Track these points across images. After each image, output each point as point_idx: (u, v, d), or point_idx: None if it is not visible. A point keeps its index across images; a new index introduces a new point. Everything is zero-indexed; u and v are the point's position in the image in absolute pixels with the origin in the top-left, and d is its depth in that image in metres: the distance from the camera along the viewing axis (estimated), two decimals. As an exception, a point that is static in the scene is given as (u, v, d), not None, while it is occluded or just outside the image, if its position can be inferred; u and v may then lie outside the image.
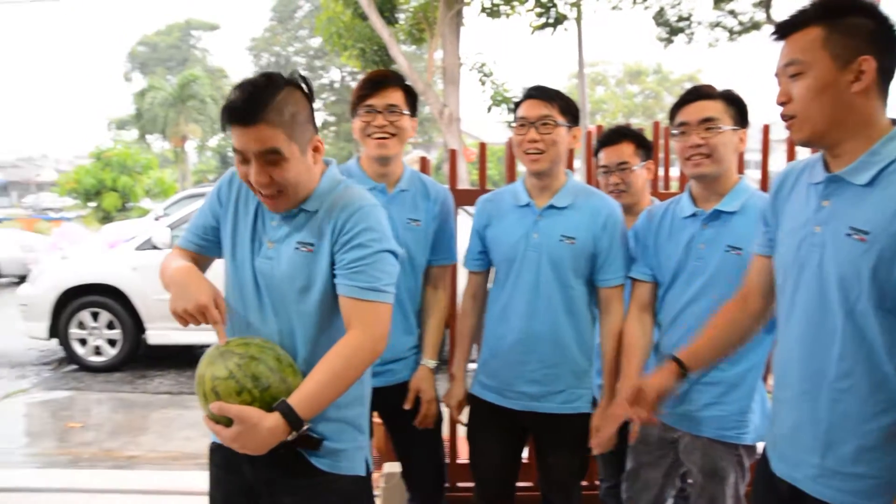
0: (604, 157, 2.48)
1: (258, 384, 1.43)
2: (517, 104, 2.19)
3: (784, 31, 1.43)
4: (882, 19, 1.37)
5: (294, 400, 1.43)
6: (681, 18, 17.43)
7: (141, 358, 6.57)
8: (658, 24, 17.63)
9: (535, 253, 2.13)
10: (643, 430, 2.10)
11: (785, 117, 1.45)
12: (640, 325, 2.13)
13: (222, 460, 1.66)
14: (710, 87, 2.02)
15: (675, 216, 2.10)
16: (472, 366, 2.37)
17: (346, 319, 1.52)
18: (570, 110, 2.15)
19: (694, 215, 2.04)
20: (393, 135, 2.18)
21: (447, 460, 3.12)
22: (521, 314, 2.14)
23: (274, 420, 1.41)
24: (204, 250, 1.71)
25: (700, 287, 1.99)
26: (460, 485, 3.09)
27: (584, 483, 3.07)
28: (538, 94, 2.13)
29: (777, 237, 1.61)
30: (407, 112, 2.21)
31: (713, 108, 1.96)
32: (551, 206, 2.15)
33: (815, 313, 1.44)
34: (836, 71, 1.36)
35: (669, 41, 17.85)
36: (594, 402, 2.22)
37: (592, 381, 2.23)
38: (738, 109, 1.99)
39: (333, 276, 1.55)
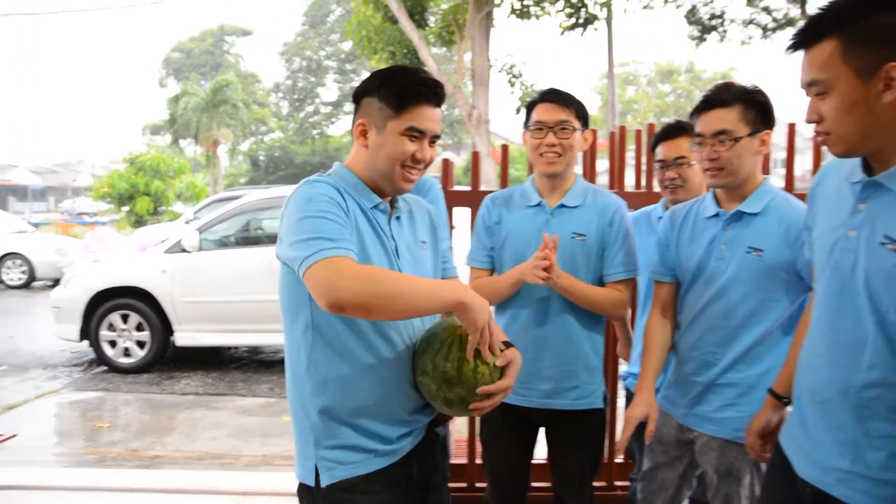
0: (661, 151, 2.43)
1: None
2: (531, 106, 2.21)
3: (799, 45, 1.35)
4: None
5: None
6: (713, 16, 17.19)
7: (169, 359, 6.65)
8: (690, 23, 17.41)
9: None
10: (659, 430, 2.08)
11: (819, 133, 1.37)
12: (661, 325, 2.11)
13: (386, 482, 1.61)
14: (726, 90, 1.93)
15: (698, 216, 2.06)
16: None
17: None
18: (583, 114, 2.19)
19: (716, 216, 2.00)
20: None
21: (465, 460, 3.11)
22: (533, 313, 2.17)
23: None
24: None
25: (720, 288, 1.95)
26: (479, 485, 3.07)
27: (602, 483, 3.06)
28: (555, 98, 2.16)
29: (813, 237, 1.55)
30: None
31: (727, 119, 1.89)
32: (562, 206, 2.19)
33: (845, 320, 1.39)
34: (861, 85, 1.27)
35: (702, 39, 17.61)
36: (605, 398, 2.25)
37: (602, 376, 2.25)
38: (758, 111, 1.91)
39: None
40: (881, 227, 1.32)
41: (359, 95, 1.62)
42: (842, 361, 1.39)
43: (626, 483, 3.08)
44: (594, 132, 2.95)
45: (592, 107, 42.20)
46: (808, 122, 1.39)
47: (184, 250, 6.27)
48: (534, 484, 2.97)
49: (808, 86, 1.35)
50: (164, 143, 38.05)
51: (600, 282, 2.18)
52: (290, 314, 1.60)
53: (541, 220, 2.19)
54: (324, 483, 1.56)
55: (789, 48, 1.37)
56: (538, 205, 2.21)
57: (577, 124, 2.15)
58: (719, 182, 1.94)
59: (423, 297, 1.45)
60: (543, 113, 2.15)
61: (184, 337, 6.26)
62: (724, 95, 1.92)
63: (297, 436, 1.63)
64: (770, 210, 1.93)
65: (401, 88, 1.56)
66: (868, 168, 1.38)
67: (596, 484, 2.89)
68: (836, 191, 1.48)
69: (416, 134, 1.58)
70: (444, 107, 1.67)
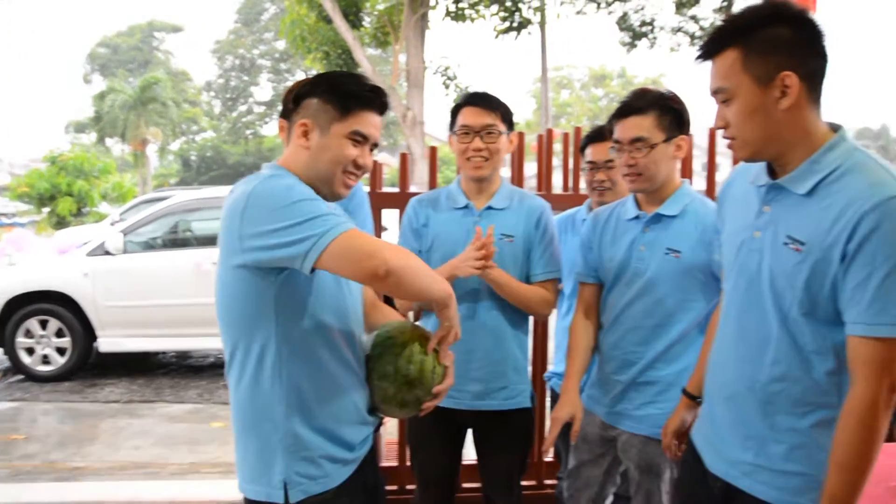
0: (591, 153, 2.44)
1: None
2: (456, 109, 2.21)
3: (705, 55, 1.43)
4: (797, 23, 1.34)
5: None
6: (644, 23, 17.60)
7: (91, 366, 6.40)
8: (621, 29, 17.78)
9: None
10: (584, 429, 2.12)
11: (727, 138, 1.45)
12: (585, 326, 2.14)
13: (351, 492, 1.61)
14: (642, 97, 1.98)
15: (619, 218, 2.11)
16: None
17: None
18: (509, 117, 2.20)
19: (637, 218, 2.05)
20: None
21: (396, 463, 3.10)
22: (462, 314, 2.13)
23: None
24: None
25: (640, 288, 2.00)
26: (409, 487, 3.06)
27: (532, 482, 3.10)
28: (481, 102, 2.16)
29: (722, 238, 1.62)
30: None
31: (643, 126, 1.94)
32: (490, 208, 2.20)
33: (751, 317, 1.46)
34: (760, 92, 1.35)
35: (633, 46, 18.02)
36: (532, 398, 2.28)
37: (529, 376, 2.29)
38: (673, 117, 1.96)
39: None
40: (784, 228, 1.39)
41: (300, 96, 1.59)
42: (748, 357, 1.46)
43: (555, 482, 3.13)
44: (521, 135, 2.99)
45: (527, 110, 42.83)
46: (717, 128, 1.46)
47: (107, 253, 6.04)
48: (463, 485, 2.99)
49: (715, 93, 1.43)
50: (90, 141, 36.67)
51: (527, 282, 2.21)
52: (248, 322, 1.50)
53: (469, 221, 2.20)
54: (293, 500, 1.51)
55: (697, 58, 1.45)
56: (465, 207, 2.22)
57: (502, 128, 2.16)
58: (637, 187, 2.00)
59: (432, 281, 1.51)
60: (469, 117, 2.16)
61: (108, 343, 6.03)
62: (639, 102, 1.97)
63: (256, 451, 1.54)
64: (687, 212, 1.99)
65: (349, 92, 1.56)
66: (772, 172, 1.45)
67: (525, 483, 2.92)
68: (743, 194, 1.54)
69: (359, 139, 1.57)
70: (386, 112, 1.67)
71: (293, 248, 1.39)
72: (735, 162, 3.01)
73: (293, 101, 1.60)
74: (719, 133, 1.48)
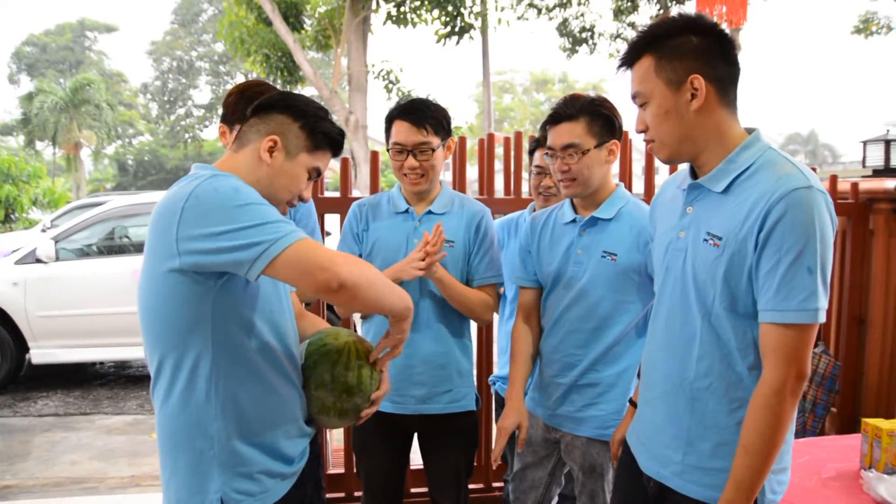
0: (539, 158, 2.45)
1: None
2: (389, 120, 2.19)
3: (625, 64, 1.52)
4: (705, 31, 1.44)
5: None
6: (583, 30, 17.91)
7: (24, 379, 6.17)
8: (562, 35, 18.06)
9: None
10: (527, 432, 2.14)
11: (647, 142, 1.53)
12: (526, 332, 2.17)
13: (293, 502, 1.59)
14: (572, 104, 2.01)
15: (556, 222, 2.15)
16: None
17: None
18: (443, 125, 2.17)
19: (573, 221, 2.09)
20: None
21: (342, 470, 3.09)
22: None
23: None
24: None
25: (578, 292, 2.04)
26: (357, 494, 3.06)
27: (479, 485, 3.14)
28: (412, 116, 2.13)
29: (653, 244, 1.68)
30: None
31: (574, 132, 1.98)
32: (430, 212, 2.22)
33: (678, 315, 1.52)
34: (672, 95, 1.44)
35: (573, 51, 18.32)
36: (477, 400, 2.29)
37: (473, 379, 2.30)
38: (603, 122, 2.00)
39: None
40: (704, 225, 1.47)
41: (266, 107, 1.53)
42: (678, 356, 1.51)
43: (503, 484, 3.17)
44: (463, 139, 3.01)
45: (470, 114, 43.05)
46: (638, 131, 1.55)
47: (38, 260, 5.84)
48: (411, 490, 3.01)
49: (634, 98, 1.52)
50: (17, 144, 35.29)
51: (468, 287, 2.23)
52: (180, 331, 1.40)
53: (409, 226, 2.21)
54: None
55: (618, 67, 1.53)
56: (406, 211, 2.23)
57: (436, 143, 2.14)
58: (572, 192, 2.04)
59: (389, 293, 1.50)
60: (401, 134, 2.13)
61: (41, 354, 5.81)
62: (569, 109, 2.00)
63: (187, 468, 1.44)
64: (622, 215, 2.04)
65: (326, 131, 1.55)
66: (694, 175, 1.53)
67: (473, 486, 2.95)
68: (671, 200, 1.62)
69: (314, 175, 1.58)
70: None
71: (241, 253, 1.32)
72: (673, 167, 3.12)
73: (254, 110, 1.54)
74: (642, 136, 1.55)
